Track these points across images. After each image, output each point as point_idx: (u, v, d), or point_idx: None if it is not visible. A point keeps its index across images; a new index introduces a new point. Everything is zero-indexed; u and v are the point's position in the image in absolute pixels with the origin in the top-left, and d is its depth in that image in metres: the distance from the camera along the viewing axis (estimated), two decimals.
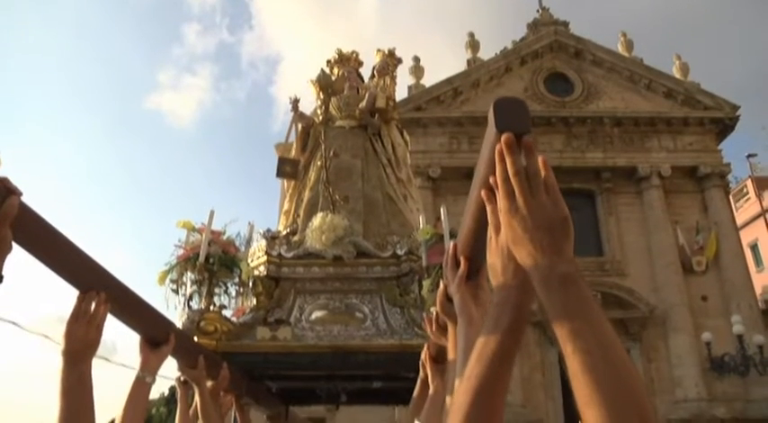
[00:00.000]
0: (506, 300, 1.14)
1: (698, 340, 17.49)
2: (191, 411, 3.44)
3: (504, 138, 1.01)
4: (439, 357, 2.30)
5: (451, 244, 1.64)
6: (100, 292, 1.78)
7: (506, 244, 1.10)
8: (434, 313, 2.01)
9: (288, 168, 4.74)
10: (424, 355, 2.51)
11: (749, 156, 28.77)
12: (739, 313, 17.64)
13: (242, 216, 4.83)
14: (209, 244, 3.66)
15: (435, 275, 3.25)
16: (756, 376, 16.95)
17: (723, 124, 21.10)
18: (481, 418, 1.22)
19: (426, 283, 3.25)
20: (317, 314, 3.71)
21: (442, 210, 3.63)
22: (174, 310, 3.73)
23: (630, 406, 0.83)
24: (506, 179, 1.03)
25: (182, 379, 3.62)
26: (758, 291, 21.47)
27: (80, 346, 1.71)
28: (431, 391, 2.38)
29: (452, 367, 1.64)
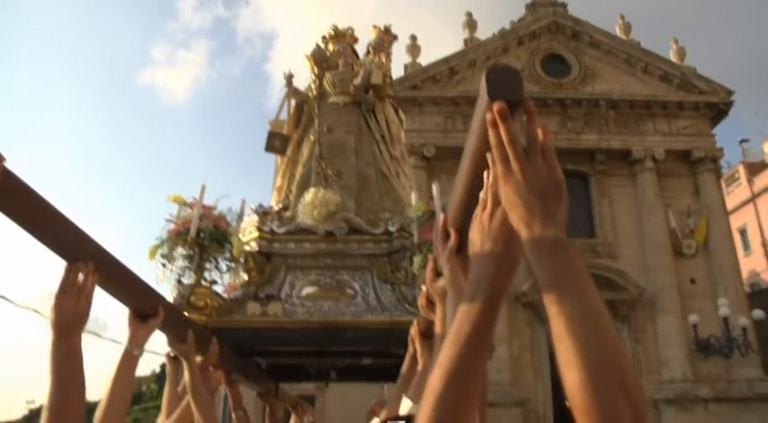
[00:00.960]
0: (482, 278, 1.14)
1: (685, 322, 17.70)
2: (180, 387, 3.44)
3: (496, 106, 1.00)
4: (428, 333, 2.30)
5: (441, 216, 1.63)
6: (87, 262, 1.75)
7: (488, 221, 1.11)
8: (425, 289, 2.01)
9: (277, 142, 4.70)
10: (413, 330, 2.51)
11: (742, 141, 28.99)
12: (726, 296, 17.86)
13: (235, 192, 4.81)
14: (200, 219, 3.63)
15: (426, 252, 3.24)
16: (739, 357, 17.26)
17: (717, 109, 21.12)
18: (455, 404, 1.19)
19: (417, 260, 3.24)
20: (307, 290, 3.70)
21: (434, 187, 3.61)
22: (164, 285, 3.72)
23: (612, 371, 0.83)
24: (500, 145, 1.02)
25: (171, 355, 3.63)
26: (745, 275, 21.76)
27: (69, 319, 1.68)
28: (419, 366, 2.38)
29: (439, 342, 1.64)
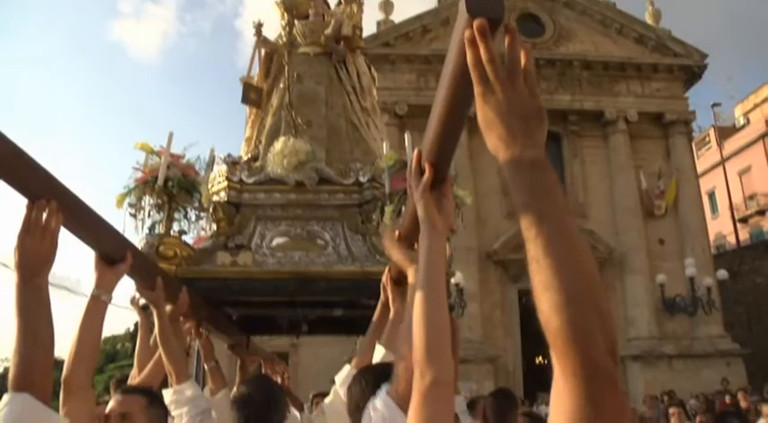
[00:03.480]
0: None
1: (653, 282, 18.16)
2: (151, 341, 3.41)
3: (476, 23, 0.96)
4: (400, 280, 2.30)
5: (416, 150, 1.60)
6: (50, 200, 1.69)
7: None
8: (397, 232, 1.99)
9: (252, 95, 4.62)
10: (385, 277, 2.51)
11: (714, 105, 29.31)
12: (693, 257, 18.33)
13: (204, 144, 4.71)
14: (168, 167, 3.56)
15: (398, 202, 3.23)
16: (703, 316, 17.86)
17: (691, 72, 21.26)
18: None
19: (389, 210, 3.23)
20: (278, 241, 3.67)
21: (406, 136, 3.58)
22: (132, 235, 3.66)
23: (589, 294, 0.82)
24: (478, 64, 0.98)
25: (139, 303, 3.59)
26: (711, 237, 22.27)
27: (34, 260, 1.62)
28: (391, 313, 2.39)
29: (412, 291, 1.64)
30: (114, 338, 39.90)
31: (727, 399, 11.47)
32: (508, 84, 0.98)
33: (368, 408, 1.57)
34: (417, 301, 1.44)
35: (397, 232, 1.94)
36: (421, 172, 1.57)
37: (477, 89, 1.00)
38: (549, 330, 0.81)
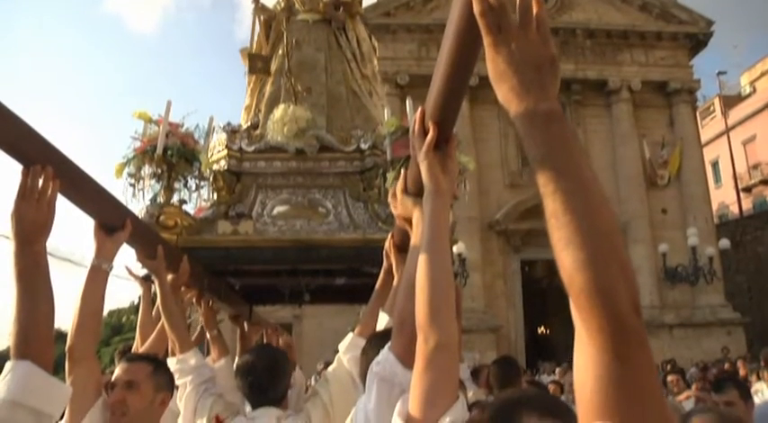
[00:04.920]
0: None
1: (655, 251, 18.21)
2: (153, 312, 3.42)
3: None
4: (403, 246, 2.28)
5: (419, 109, 1.56)
6: (45, 166, 1.66)
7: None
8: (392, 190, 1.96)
9: (260, 64, 4.55)
10: (387, 243, 2.48)
11: (719, 73, 28.99)
12: (695, 226, 18.32)
13: (202, 113, 4.65)
14: (166, 136, 3.51)
15: (400, 169, 3.19)
16: (704, 285, 17.93)
17: (696, 40, 21.00)
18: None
19: (390, 176, 3.19)
20: (279, 209, 3.64)
21: (408, 102, 3.52)
22: (132, 205, 3.63)
23: (613, 250, 0.79)
24: (487, 13, 0.94)
25: (140, 275, 3.58)
26: (715, 206, 22.26)
27: (31, 227, 1.60)
28: (395, 280, 2.37)
29: (414, 253, 1.61)
30: (119, 312, 40.28)
31: (726, 366, 11.58)
32: (520, 32, 0.93)
33: (371, 366, 1.57)
34: (421, 264, 1.42)
35: (400, 185, 1.91)
36: (424, 132, 1.53)
37: (486, 40, 0.95)
38: (573, 288, 0.78)
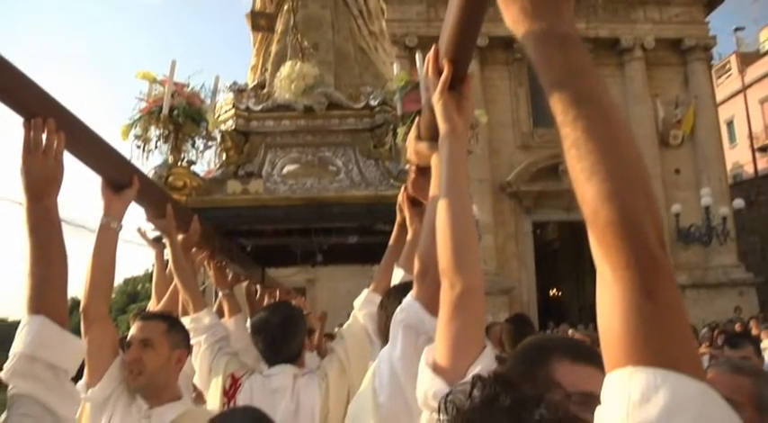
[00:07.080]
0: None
1: (667, 212, 18.03)
2: (167, 271, 3.42)
3: None
4: (417, 200, 2.24)
5: (433, 47, 1.50)
6: (46, 118, 1.62)
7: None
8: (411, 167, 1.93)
9: (262, 22, 4.47)
10: (401, 196, 2.43)
11: (737, 29, 28.24)
12: (709, 186, 18.12)
13: (207, 74, 4.56)
14: (172, 96, 3.46)
15: (410, 123, 3.13)
16: (717, 246, 17.81)
17: None
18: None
19: (401, 131, 3.14)
20: (288, 168, 3.61)
21: (417, 56, 3.44)
22: (141, 167, 3.59)
23: (638, 179, 0.74)
24: None
25: (151, 237, 3.58)
26: (729, 166, 21.96)
27: (40, 181, 1.56)
28: (409, 234, 2.34)
29: (432, 204, 1.57)
30: (134, 280, 40.81)
31: (738, 326, 11.56)
32: None
33: (395, 315, 1.54)
34: (440, 208, 1.38)
35: (413, 133, 1.86)
36: (438, 71, 1.48)
37: None
38: (597, 222, 0.74)
